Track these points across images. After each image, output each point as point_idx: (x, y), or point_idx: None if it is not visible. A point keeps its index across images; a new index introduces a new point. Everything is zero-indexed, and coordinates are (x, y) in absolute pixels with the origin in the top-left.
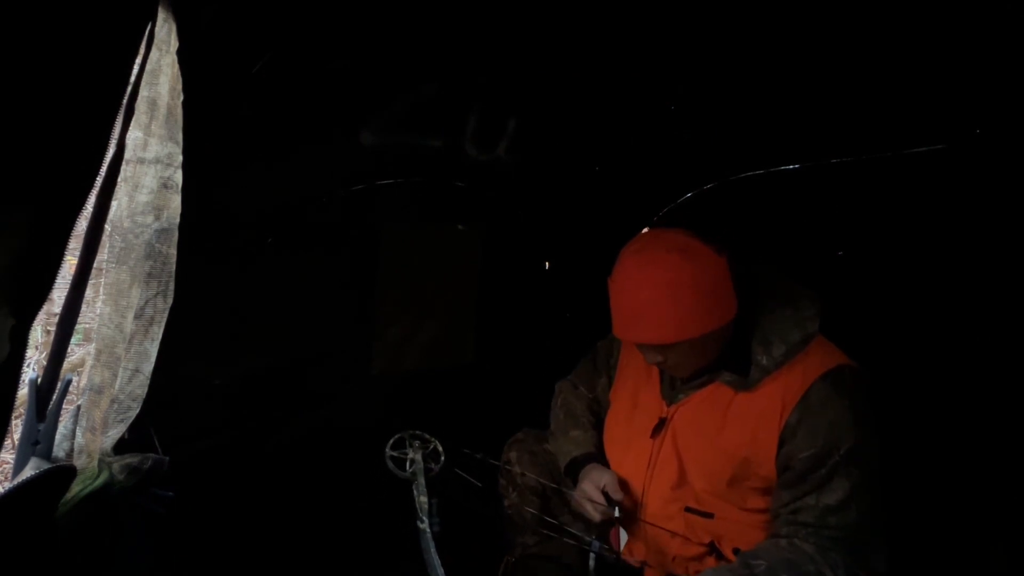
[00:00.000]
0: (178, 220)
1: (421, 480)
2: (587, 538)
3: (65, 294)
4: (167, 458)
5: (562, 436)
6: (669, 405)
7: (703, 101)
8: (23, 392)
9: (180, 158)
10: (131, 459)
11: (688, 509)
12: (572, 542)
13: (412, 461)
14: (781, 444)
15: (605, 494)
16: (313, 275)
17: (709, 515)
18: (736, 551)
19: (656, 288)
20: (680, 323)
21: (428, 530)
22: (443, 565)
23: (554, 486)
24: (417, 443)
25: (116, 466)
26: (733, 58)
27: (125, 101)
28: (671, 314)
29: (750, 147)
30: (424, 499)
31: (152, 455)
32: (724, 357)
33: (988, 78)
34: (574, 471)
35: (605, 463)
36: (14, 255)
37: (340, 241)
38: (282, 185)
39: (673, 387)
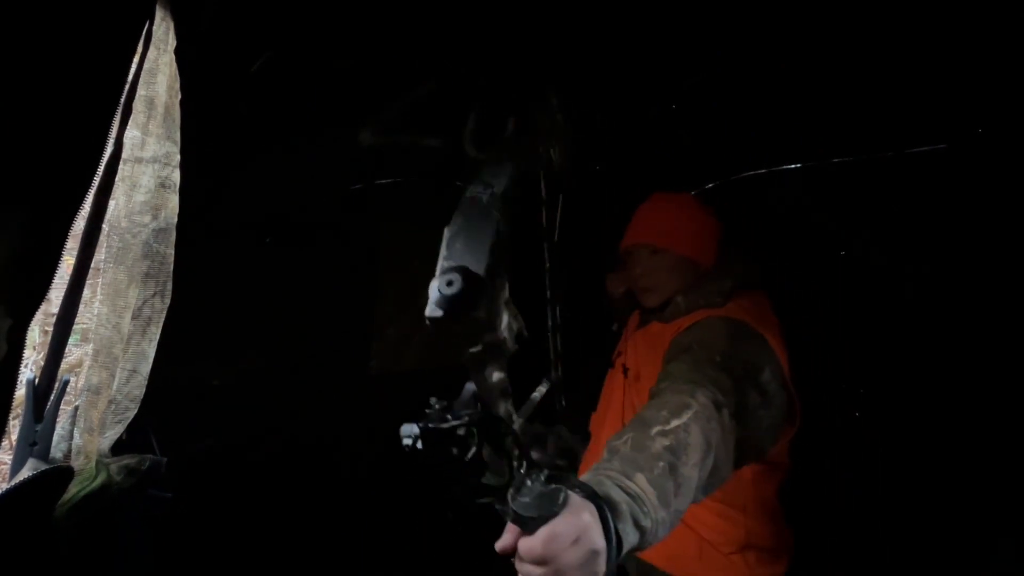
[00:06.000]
0: (176, 220)
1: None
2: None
3: (62, 294)
4: (165, 459)
5: None
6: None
7: (704, 101)
8: (20, 393)
9: (178, 157)
10: (129, 460)
11: None
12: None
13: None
14: (669, 347)
15: None
16: (312, 275)
17: None
18: None
19: (666, 207)
20: (673, 235)
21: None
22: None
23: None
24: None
25: (114, 467)
26: (734, 58)
27: (123, 100)
28: (671, 227)
29: (750, 147)
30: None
31: (150, 456)
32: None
33: (988, 78)
34: None
35: None
36: (12, 255)
37: (340, 241)
38: (281, 184)
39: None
